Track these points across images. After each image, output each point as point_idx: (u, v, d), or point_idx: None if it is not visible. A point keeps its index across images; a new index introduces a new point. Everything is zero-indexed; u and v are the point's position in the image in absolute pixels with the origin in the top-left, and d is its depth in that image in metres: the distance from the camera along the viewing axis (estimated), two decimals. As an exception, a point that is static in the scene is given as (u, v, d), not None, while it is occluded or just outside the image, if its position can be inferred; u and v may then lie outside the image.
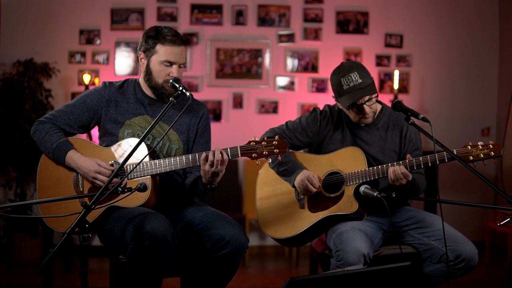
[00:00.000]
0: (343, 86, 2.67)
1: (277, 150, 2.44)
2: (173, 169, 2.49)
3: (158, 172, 2.48)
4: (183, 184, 2.68)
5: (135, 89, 2.69)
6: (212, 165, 2.42)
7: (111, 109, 2.63)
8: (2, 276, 4.38)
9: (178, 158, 2.48)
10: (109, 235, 2.50)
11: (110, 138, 2.62)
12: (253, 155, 2.45)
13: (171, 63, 2.58)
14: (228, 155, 2.45)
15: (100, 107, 2.63)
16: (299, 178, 2.72)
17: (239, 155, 2.46)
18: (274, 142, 2.44)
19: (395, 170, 2.55)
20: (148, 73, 2.61)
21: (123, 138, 2.59)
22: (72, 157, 2.52)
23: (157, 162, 2.48)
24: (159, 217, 2.35)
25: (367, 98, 2.68)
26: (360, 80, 2.66)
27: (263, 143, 2.45)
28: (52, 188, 2.58)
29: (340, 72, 2.71)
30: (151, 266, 2.33)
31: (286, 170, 2.78)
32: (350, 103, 2.68)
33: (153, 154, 2.59)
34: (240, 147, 2.46)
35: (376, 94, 2.71)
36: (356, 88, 2.66)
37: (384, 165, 2.62)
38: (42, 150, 2.60)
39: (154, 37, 2.59)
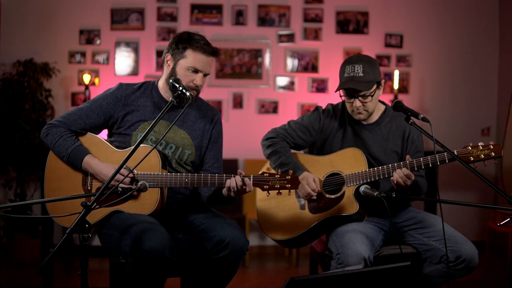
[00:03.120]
0: (344, 73, 2.73)
1: (289, 186, 2.45)
2: (183, 185, 2.49)
3: (168, 186, 2.48)
4: (190, 195, 2.68)
5: (152, 92, 2.66)
6: (230, 191, 2.46)
7: (127, 112, 2.60)
8: (2, 276, 4.38)
9: (190, 175, 2.47)
10: (107, 240, 2.50)
11: (122, 138, 2.60)
12: (265, 186, 2.45)
13: (197, 71, 2.55)
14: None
15: (116, 111, 2.60)
16: (301, 181, 2.71)
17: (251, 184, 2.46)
18: (287, 177, 2.45)
19: (398, 174, 2.54)
20: (172, 76, 2.57)
21: (136, 142, 2.56)
22: (89, 162, 2.51)
23: (167, 175, 2.47)
24: (157, 233, 2.31)
25: (362, 92, 2.68)
26: (361, 74, 2.68)
27: (276, 176, 2.45)
28: (60, 180, 2.56)
29: (349, 60, 2.75)
30: (150, 279, 2.33)
31: (287, 171, 2.77)
32: (340, 89, 2.72)
33: (165, 159, 2.58)
34: (253, 176, 2.45)
35: (371, 92, 2.70)
36: (353, 79, 2.68)
37: (385, 167, 2.61)
38: (56, 154, 2.57)
39: (186, 41, 2.55)
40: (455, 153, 2.47)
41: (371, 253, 2.57)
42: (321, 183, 2.75)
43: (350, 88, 2.68)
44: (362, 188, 2.58)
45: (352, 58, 2.75)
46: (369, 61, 2.72)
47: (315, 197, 2.70)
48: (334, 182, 2.74)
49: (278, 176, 2.45)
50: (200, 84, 2.56)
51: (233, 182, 2.43)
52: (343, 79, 2.73)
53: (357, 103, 2.71)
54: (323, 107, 2.93)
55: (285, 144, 2.86)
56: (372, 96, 2.71)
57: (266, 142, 2.89)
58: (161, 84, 2.67)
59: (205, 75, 2.58)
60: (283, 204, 2.82)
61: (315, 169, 2.78)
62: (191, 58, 2.54)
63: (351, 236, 2.57)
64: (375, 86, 2.71)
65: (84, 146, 2.56)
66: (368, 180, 2.64)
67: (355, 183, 2.67)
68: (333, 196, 2.71)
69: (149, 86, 2.68)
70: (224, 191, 2.48)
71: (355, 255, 2.49)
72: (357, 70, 2.68)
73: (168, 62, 2.60)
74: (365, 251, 2.52)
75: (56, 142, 2.54)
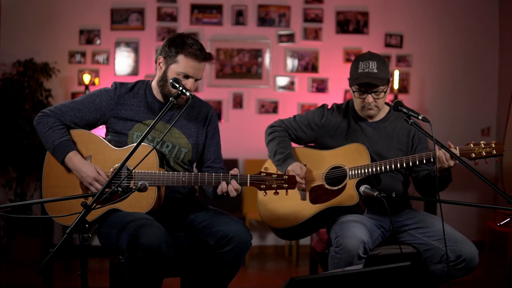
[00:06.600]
0: (358, 69, 2.75)
1: (286, 185, 2.45)
2: (180, 184, 2.49)
3: (165, 184, 2.48)
4: (188, 194, 2.69)
5: (146, 92, 2.66)
6: (223, 195, 2.50)
7: (120, 111, 2.60)
8: (2, 276, 4.38)
9: (187, 174, 2.47)
10: (106, 239, 2.51)
11: (119, 138, 2.59)
12: (262, 186, 2.45)
13: (188, 76, 2.54)
14: (237, 182, 2.46)
15: (108, 109, 2.60)
16: (289, 169, 2.75)
17: (248, 184, 2.47)
18: (284, 177, 2.45)
19: (445, 152, 2.51)
20: (164, 80, 2.56)
21: (132, 142, 2.57)
22: (72, 159, 2.51)
23: (165, 174, 2.47)
24: (153, 228, 2.32)
25: (376, 88, 2.71)
26: (375, 70, 2.72)
27: (273, 175, 2.45)
28: (58, 177, 2.56)
29: (362, 57, 2.78)
30: (147, 275, 2.33)
31: (279, 160, 2.83)
32: (356, 84, 2.74)
33: (162, 157, 2.58)
34: (250, 176, 2.46)
35: (384, 89, 2.74)
36: (369, 75, 2.71)
37: (387, 160, 2.64)
38: (43, 143, 2.58)
39: (179, 46, 2.52)
40: (457, 149, 2.50)
41: (370, 240, 2.59)
42: (323, 176, 2.78)
43: (366, 83, 2.71)
44: (362, 188, 2.59)
45: (365, 55, 2.78)
46: (382, 59, 2.77)
47: (304, 186, 2.74)
48: (336, 175, 2.77)
49: (276, 175, 2.45)
50: (191, 89, 2.54)
51: (220, 188, 2.48)
52: (356, 75, 2.75)
53: (370, 98, 2.74)
54: (329, 106, 2.97)
55: (286, 135, 2.94)
56: (384, 92, 2.76)
57: (269, 130, 2.99)
58: (154, 84, 2.66)
59: (196, 79, 2.58)
60: (284, 194, 2.83)
61: (319, 163, 2.81)
62: (182, 64, 2.52)
63: (350, 223, 2.60)
64: (387, 83, 2.76)
65: (72, 141, 2.55)
66: (370, 173, 2.65)
67: (357, 176, 2.69)
68: (334, 188, 2.74)
69: (143, 86, 2.68)
70: (219, 190, 2.50)
71: (354, 237, 2.51)
72: (372, 67, 2.72)
73: (160, 64, 2.59)
74: (364, 235, 2.54)
75: (45, 132, 2.54)
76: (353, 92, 2.80)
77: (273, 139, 2.92)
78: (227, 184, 2.46)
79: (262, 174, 2.45)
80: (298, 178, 2.69)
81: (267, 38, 5.31)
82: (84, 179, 2.49)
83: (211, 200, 2.84)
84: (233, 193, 2.47)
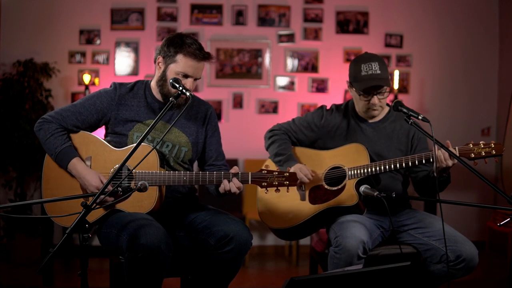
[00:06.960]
0: (361, 72, 2.74)
1: (287, 182, 2.45)
2: (181, 183, 2.49)
3: (166, 184, 2.49)
4: (189, 193, 2.70)
5: (145, 92, 2.66)
6: (225, 193, 2.50)
7: (121, 112, 2.60)
8: (2, 276, 4.38)
9: (188, 173, 2.48)
10: (106, 239, 2.51)
11: (118, 139, 2.59)
12: (263, 184, 2.45)
13: (187, 76, 2.54)
14: (238, 180, 2.47)
15: (109, 110, 2.60)
16: (292, 170, 2.74)
17: (250, 182, 2.47)
18: (285, 174, 2.45)
19: (442, 152, 2.52)
20: (163, 79, 2.56)
21: (132, 142, 2.57)
22: (75, 165, 2.50)
23: (166, 173, 2.47)
24: (153, 228, 2.32)
25: (381, 89, 2.72)
26: (379, 71, 2.72)
27: (274, 173, 2.45)
28: (58, 179, 2.56)
29: (362, 59, 2.77)
30: (147, 274, 2.34)
31: (281, 161, 2.83)
32: (364, 88, 2.73)
33: (163, 157, 2.58)
34: (251, 174, 2.46)
35: (389, 89, 2.76)
36: (374, 77, 2.71)
37: (386, 160, 2.65)
38: (46, 150, 2.57)
39: (178, 45, 2.53)
40: (457, 149, 2.50)
41: (369, 240, 2.59)
42: (322, 176, 2.78)
43: (375, 85, 2.71)
44: (362, 188, 2.59)
45: (365, 56, 2.78)
46: (381, 59, 2.78)
47: (310, 177, 2.74)
48: (336, 175, 2.77)
49: (277, 173, 2.45)
50: (190, 89, 2.54)
51: (222, 186, 2.48)
52: (360, 78, 2.74)
53: (376, 100, 2.75)
54: (328, 107, 2.97)
55: (286, 137, 2.94)
56: (388, 92, 2.77)
57: (268, 134, 2.99)
58: (153, 84, 2.66)
59: (195, 79, 2.58)
60: (284, 194, 2.83)
61: (318, 163, 2.82)
62: (182, 63, 2.52)
63: (350, 223, 2.61)
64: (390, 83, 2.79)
65: (74, 148, 2.55)
66: (370, 173, 2.65)
67: (356, 176, 2.69)
68: (334, 188, 2.74)
69: (142, 86, 2.68)
70: (221, 189, 2.51)
71: (353, 237, 2.51)
72: (375, 68, 2.73)
73: (160, 64, 2.59)
74: (364, 235, 2.55)
75: (47, 139, 2.54)
76: (359, 95, 2.78)
77: (274, 142, 2.92)
78: (229, 182, 2.47)
79: (264, 171, 2.46)
80: (304, 177, 2.69)
81: (267, 38, 5.31)
82: (88, 188, 2.49)
83: (211, 200, 2.85)
84: (234, 189, 2.47)
